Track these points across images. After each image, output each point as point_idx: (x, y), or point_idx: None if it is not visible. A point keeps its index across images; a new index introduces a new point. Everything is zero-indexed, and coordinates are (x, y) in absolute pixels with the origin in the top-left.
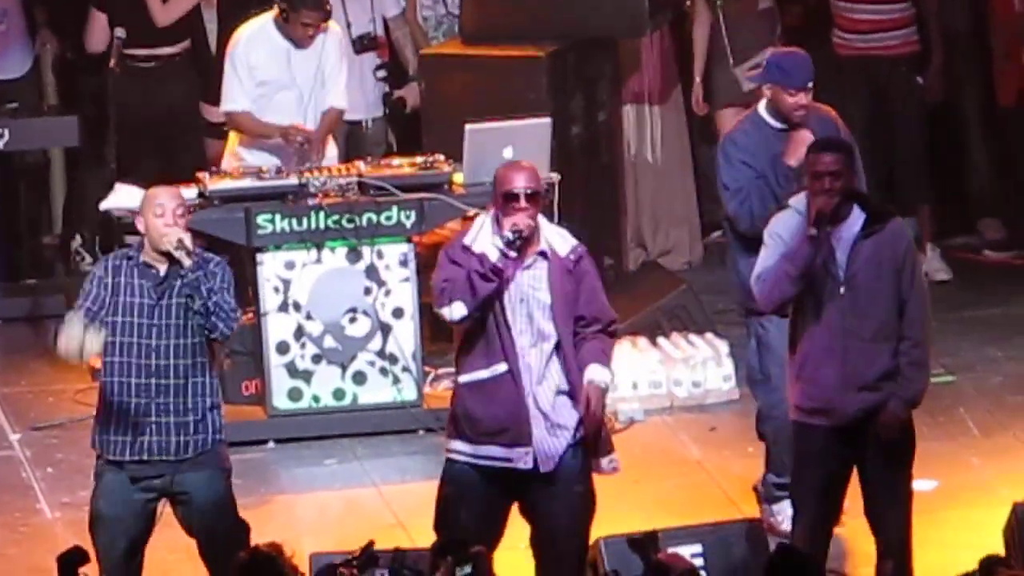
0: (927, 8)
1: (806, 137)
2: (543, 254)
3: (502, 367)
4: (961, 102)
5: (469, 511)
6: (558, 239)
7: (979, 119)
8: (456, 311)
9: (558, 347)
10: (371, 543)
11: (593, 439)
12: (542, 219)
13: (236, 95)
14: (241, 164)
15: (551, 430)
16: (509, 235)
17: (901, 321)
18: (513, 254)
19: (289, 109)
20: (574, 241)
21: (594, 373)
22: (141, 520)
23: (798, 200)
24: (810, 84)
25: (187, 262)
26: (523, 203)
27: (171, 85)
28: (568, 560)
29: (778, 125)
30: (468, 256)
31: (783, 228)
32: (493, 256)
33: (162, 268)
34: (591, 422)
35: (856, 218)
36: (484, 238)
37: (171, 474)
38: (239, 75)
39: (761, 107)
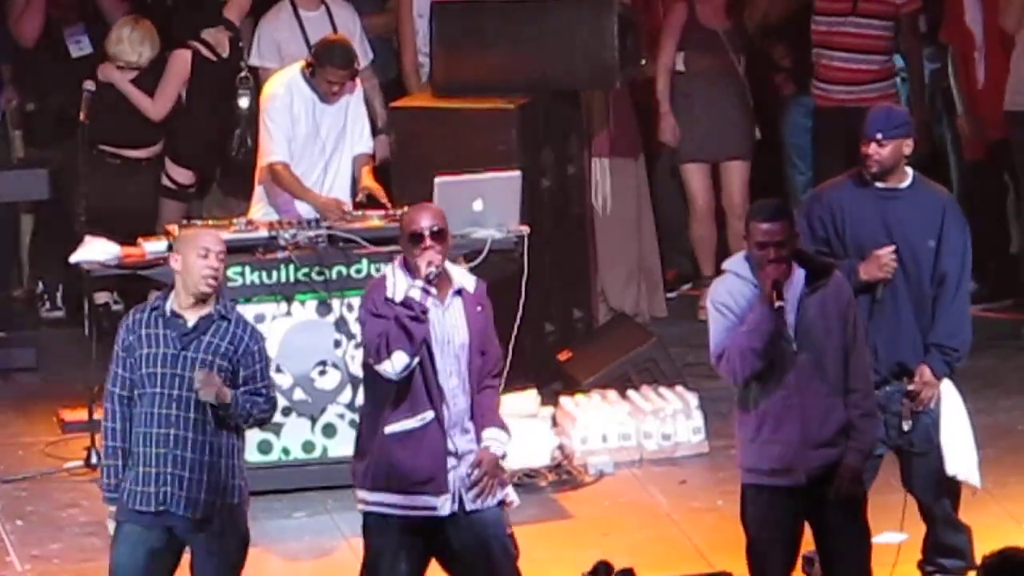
0: (910, 63)
1: (884, 254)
2: (458, 292)
3: (430, 414)
4: (944, 157)
5: (403, 564)
6: (465, 277)
7: (959, 173)
8: (398, 362)
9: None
10: None
11: (477, 495)
12: (447, 262)
13: (278, 146)
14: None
15: (465, 470)
16: (431, 271)
17: (847, 373)
18: (433, 291)
19: (312, 160)
20: (475, 278)
21: (492, 436)
22: (159, 569)
23: (734, 263)
24: (880, 136)
25: (227, 401)
26: (429, 241)
27: (132, 187)
28: None
29: (878, 184)
30: (389, 307)
31: (728, 298)
32: (417, 295)
33: (191, 319)
34: (476, 482)
35: (798, 276)
36: (402, 285)
37: (188, 531)
38: (281, 125)
39: None
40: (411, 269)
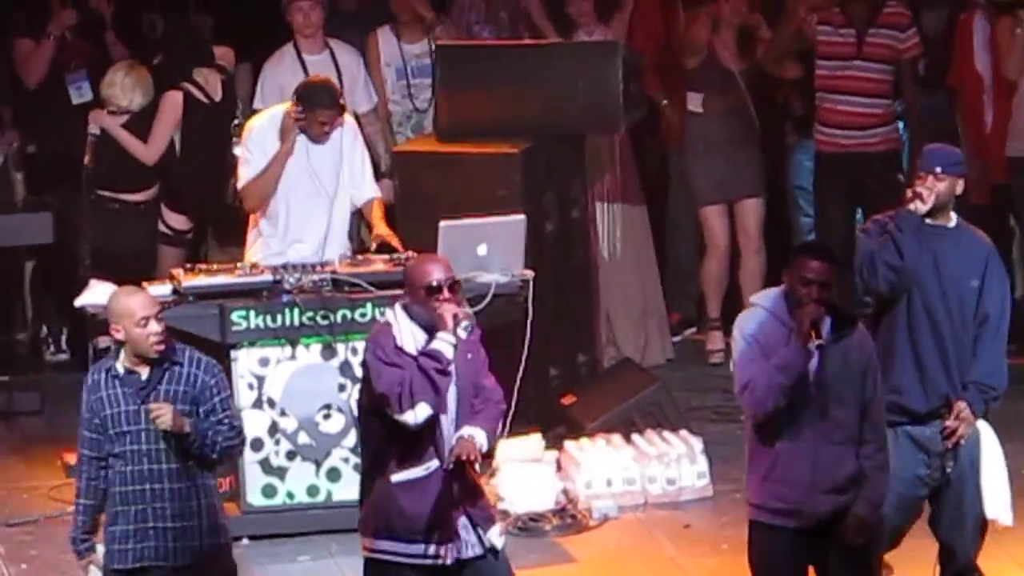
0: (909, 107)
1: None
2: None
3: (435, 463)
4: None
5: None
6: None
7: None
8: (421, 413)
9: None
10: None
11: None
12: None
13: (252, 171)
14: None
15: (468, 515)
16: (467, 323)
17: (863, 424)
18: (470, 329)
19: (308, 198)
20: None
21: (471, 430)
22: None
23: (766, 298)
24: (939, 170)
25: (187, 430)
26: (447, 293)
27: (132, 231)
28: None
29: (927, 220)
30: (403, 357)
31: (758, 331)
32: (448, 352)
33: (144, 372)
34: (448, 461)
35: (825, 323)
36: (408, 334)
37: None
38: (252, 157)
39: None
40: (414, 317)
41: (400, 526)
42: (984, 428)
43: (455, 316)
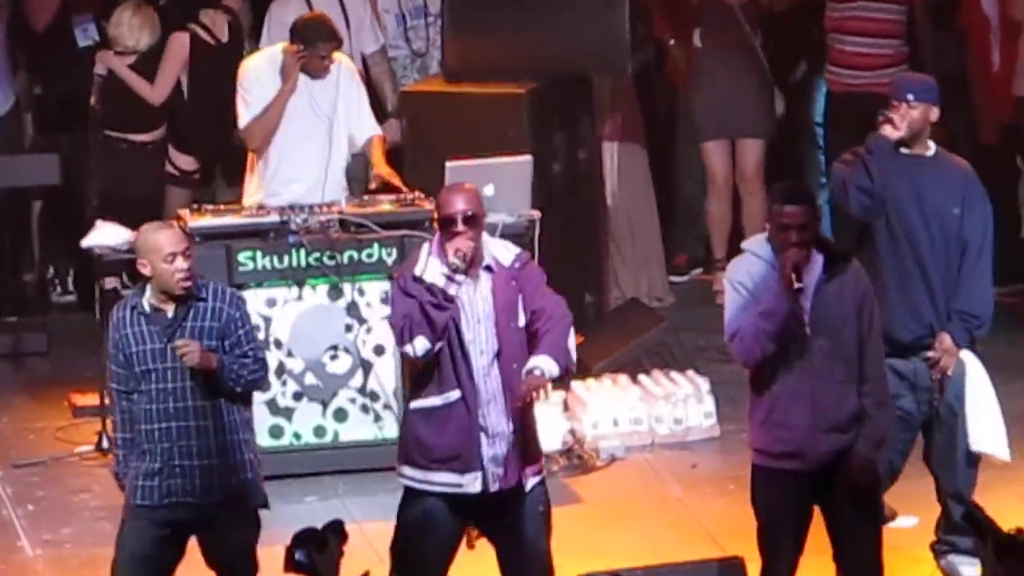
0: (920, 48)
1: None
2: (488, 268)
3: (455, 394)
4: (955, 141)
5: (428, 540)
6: (502, 251)
7: (967, 158)
8: (419, 346)
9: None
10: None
11: (518, 424)
12: (486, 235)
13: (251, 111)
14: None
15: (501, 450)
16: (455, 261)
17: (861, 362)
18: (460, 278)
19: (317, 138)
20: (517, 250)
21: (537, 361)
22: (167, 557)
23: (754, 244)
24: (911, 98)
25: (213, 366)
26: (460, 226)
27: (140, 172)
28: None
29: (904, 150)
30: (419, 287)
31: (746, 277)
32: (440, 283)
33: (169, 310)
34: (514, 403)
35: (816, 262)
36: (432, 266)
37: (199, 516)
38: (252, 97)
39: None
40: (444, 251)
41: (417, 453)
42: (970, 359)
43: (457, 250)
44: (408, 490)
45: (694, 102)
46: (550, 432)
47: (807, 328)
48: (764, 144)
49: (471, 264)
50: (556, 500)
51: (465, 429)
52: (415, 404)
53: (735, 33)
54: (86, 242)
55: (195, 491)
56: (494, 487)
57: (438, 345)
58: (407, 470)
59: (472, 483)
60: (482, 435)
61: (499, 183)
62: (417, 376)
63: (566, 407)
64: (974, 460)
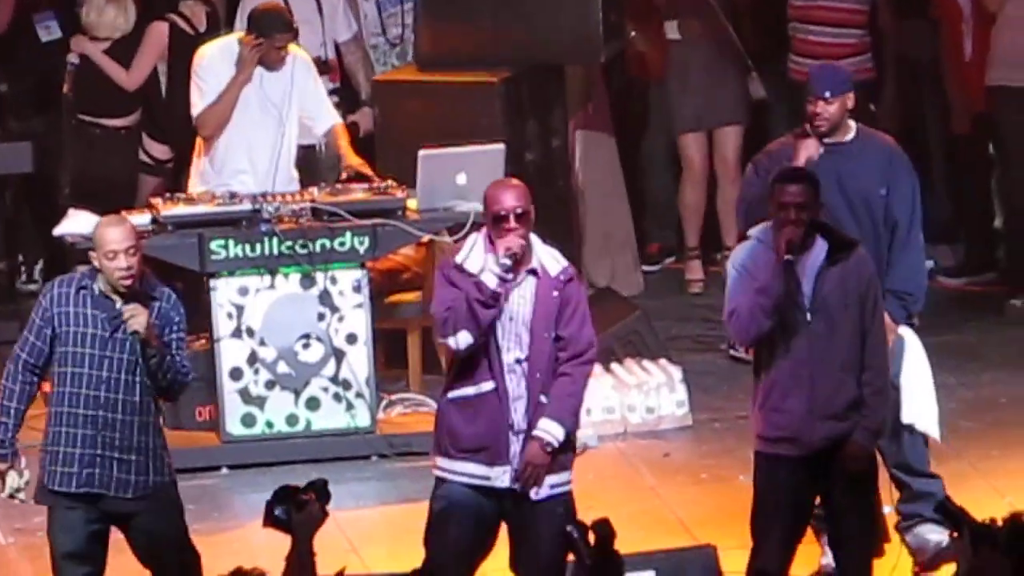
0: (883, 36)
1: (810, 143)
2: (533, 272)
3: (488, 385)
4: (922, 130)
5: (458, 527)
6: (549, 259)
7: (939, 147)
8: (462, 340)
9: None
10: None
11: (522, 484)
12: (534, 238)
13: (204, 101)
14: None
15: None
16: (506, 261)
17: (863, 351)
18: (510, 277)
19: (268, 129)
20: (565, 262)
21: (545, 425)
22: (96, 550)
23: (759, 230)
24: (828, 94)
25: (151, 347)
26: (513, 223)
27: (113, 157)
28: None
29: (825, 140)
30: (463, 277)
31: (748, 259)
32: (491, 283)
33: (118, 301)
34: (520, 473)
35: (820, 247)
36: (476, 256)
37: (121, 510)
38: (206, 85)
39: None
40: (493, 243)
41: (448, 443)
42: (908, 335)
43: (507, 249)
44: (438, 481)
45: (671, 94)
46: None
47: (807, 313)
48: (743, 131)
49: (519, 263)
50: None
51: (495, 421)
52: (451, 394)
53: (711, 24)
54: (58, 230)
55: (112, 483)
56: (519, 485)
57: (480, 339)
58: (440, 460)
59: (500, 477)
60: (516, 431)
61: (472, 172)
62: (456, 366)
63: None
64: (921, 435)
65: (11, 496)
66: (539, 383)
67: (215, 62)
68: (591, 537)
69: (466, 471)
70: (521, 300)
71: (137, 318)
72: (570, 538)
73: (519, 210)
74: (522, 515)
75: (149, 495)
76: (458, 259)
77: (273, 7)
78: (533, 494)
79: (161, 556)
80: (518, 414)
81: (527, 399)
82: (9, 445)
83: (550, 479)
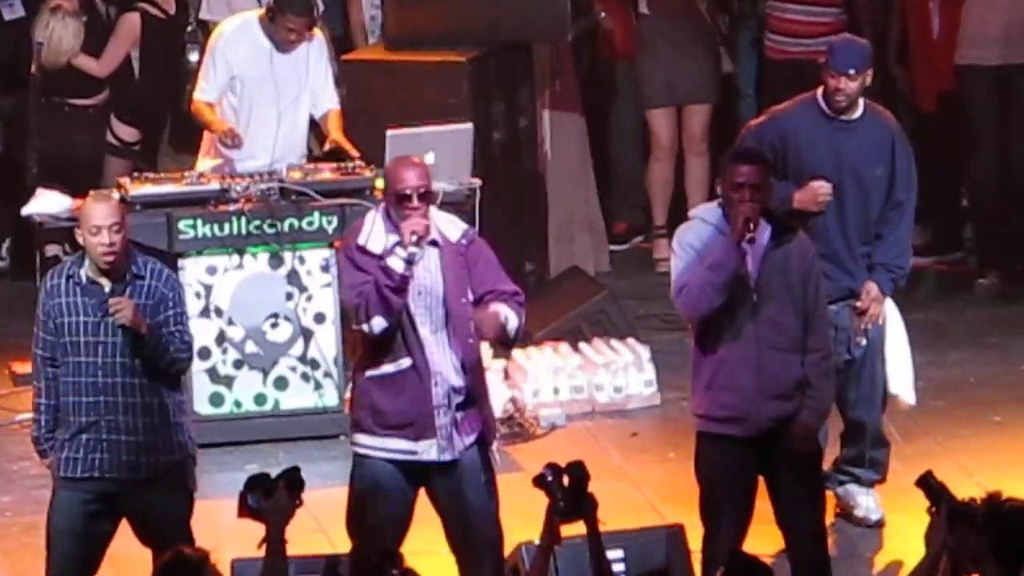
0: (859, 15)
1: (821, 187)
2: (434, 243)
3: (406, 361)
4: (893, 107)
5: (383, 506)
6: (449, 226)
7: (907, 125)
8: (376, 326)
9: (454, 334)
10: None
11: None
12: (432, 208)
13: (207, 85)
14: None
15: (452, 420)
16: (413, 249)
17: (806, 332)
18: (417, 260)
19: (265, 109)
20: (464, 226)
21: (498, 307)
22: (96, 536)
23: (704, 211)
24: (853, 71)
25: (142, 336)
26: (416, 203)
27: (81, 136)
28: (487, 550)
29: (828, 111)
30: (369, 259)
31: (695, 238)
32: (399, 267)
33: (106, 284)
34: (481, 336)
35: (764, 229)
36: (378, 236)
37: (124, 491)
38: (216, 66)
39: (820, 91)
40: (391, 218)
41: (373, 421)
42: (890, 306)
43: (413, 232)
44: (360, 458)
45: (641, 69)
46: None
47: (753, 294)
48: (711, 108)
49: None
50: (496, 468)
51: (418, 397)
52: (369, 372)
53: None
54: (27, 210)
55: (120, 467)
56: (445, 456)
57: (395, 323)
58: (361, 438)
59: (427, 451)
60: (438, 404)
61: (440, 151)
62: (368, 345)
63: (507, 375)
64: (884, 399)
65: None
66: (462, 350)
67: (229, 43)
68: (565, 480)
69: (393, 447)
70: (427, 273)
71: (123, 312)
72: (543, 480)
73: (422, 189)
74: (447, 480)
75: (159, 473)
76: (360, 240)
77: None
78: (447, 456)
79: (164, 534)
80: (439, 387)
81: (449, 370)
82: (45, 442)
83: (465, 440)
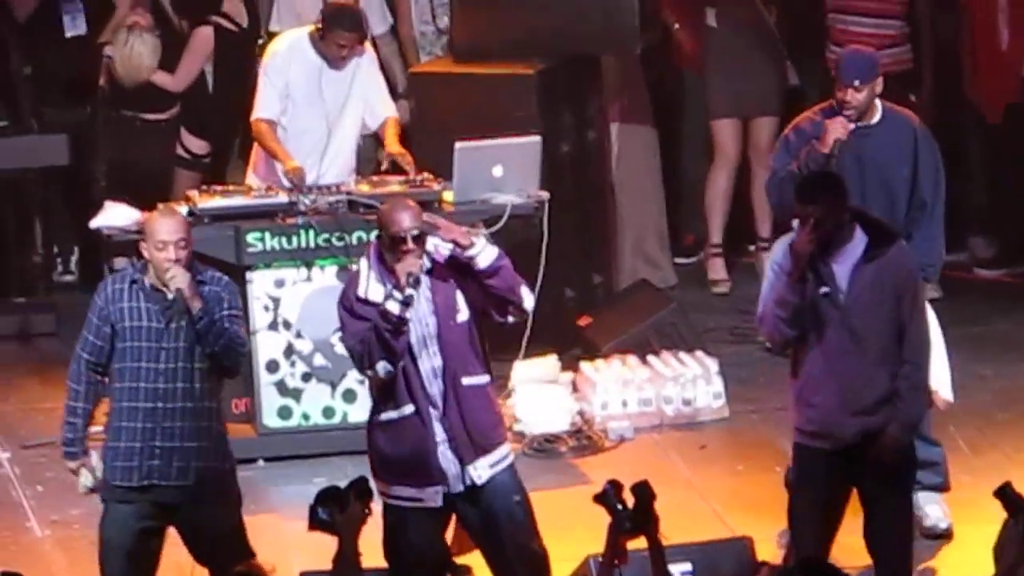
0: (921, 27)
1: (838, 124)
2: (427, 272)
3: (409, 408)
4: (959, 120)
5: (413, 538)
6: (439, 241)
7: (976, 137)
8: (381, 370)
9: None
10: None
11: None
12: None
13: (267, 103)
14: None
15: (457, 455)
16: (411, 292)
17: (901, 345)
18: (413, 302)
19: (314, 126)
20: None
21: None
22: (148, 547)
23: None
24: (859, 82)
25: (195, 308)
26: (410, 245)
27: (150, 149)
28: (531, 566)
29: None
30: (368, 308)
31: (782, 257)
32: (396, 310)
33: (169, 292)
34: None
35: (859, 241)
36: (375, 284)
37: (175, 499)
38: (274, 85)
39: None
40: (385, 264)
41: (379, 467)
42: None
43: (408, 275)
44: (384, 504)
45: (708, 81)
46: (559, 413)
47: (841, 311)
48: (778, 121)
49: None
50: (564, 481)
51: (420, 442)
52: (375, 418)
53: (749, 12)
54: (95, 223)
55: (172, 473)
56: (457, 489)
57: (400, 363)
58: (377, 483)
59: (433, 497)
60: (445, 444)
61: (507, 164)
62: (375, 390)
63: (575, 388)
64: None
65: (88, 492)
66: (459, 374)
67: (283, 61)
68: (629, 499)
69: (400, 494)
70: (423, 307)
71: (179, 277)
72: (605, 498)
73: (415, 231)
74: (476, 508)
75: (208, 480)
76: (360, 292)
77: (347, 5)
78: (477, 480)
79: (216, 549)
80: (455, 421)
81: (442, 407)
82: (79, 444)
83: (488, 459)
